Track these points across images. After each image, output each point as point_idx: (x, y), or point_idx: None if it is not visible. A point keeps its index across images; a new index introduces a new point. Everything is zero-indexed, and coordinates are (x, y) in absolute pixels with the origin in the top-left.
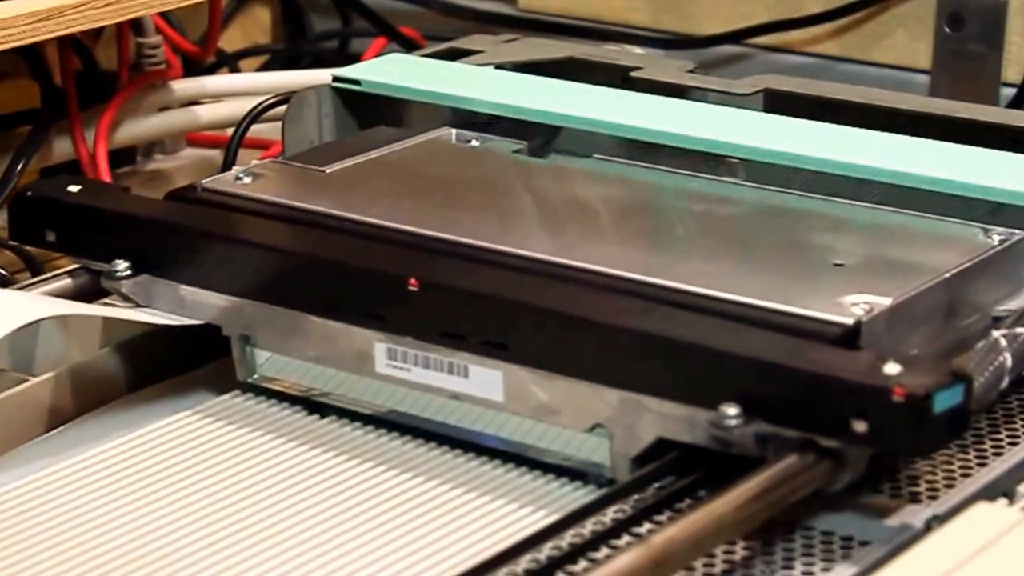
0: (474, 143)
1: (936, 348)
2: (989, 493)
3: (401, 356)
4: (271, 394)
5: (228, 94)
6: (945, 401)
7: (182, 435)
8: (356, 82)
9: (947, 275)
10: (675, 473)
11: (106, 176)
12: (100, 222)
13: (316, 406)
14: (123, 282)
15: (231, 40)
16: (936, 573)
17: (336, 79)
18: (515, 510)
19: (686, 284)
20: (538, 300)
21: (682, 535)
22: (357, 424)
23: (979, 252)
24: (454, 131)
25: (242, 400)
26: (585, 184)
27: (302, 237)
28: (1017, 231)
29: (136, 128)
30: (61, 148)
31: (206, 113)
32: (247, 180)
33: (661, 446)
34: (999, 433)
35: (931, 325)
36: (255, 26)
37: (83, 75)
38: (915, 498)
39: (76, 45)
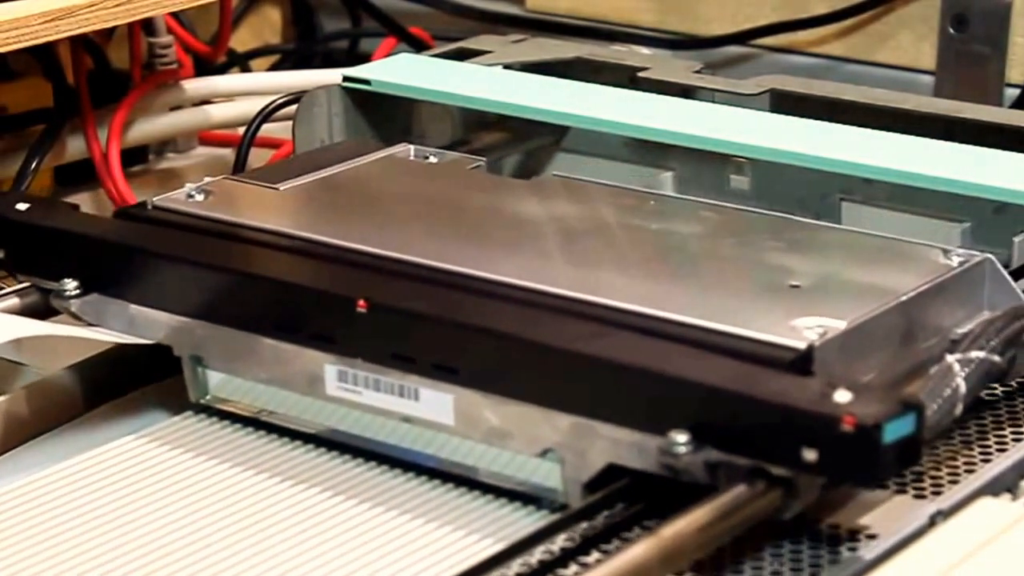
0: (432, 159)
1: (889, 374)
2: (993, 488)
3: (352, 378)
4: (223, 415)
5: (239, 93)
6: (896, 431)
7: (131, 458)
8: (366, 82)
9: (904, 298)
10: (629, 499)
11: (119, 175)
12: (49, 241)
13: (268, 427)
14: (72, 301)
15: (242, 40)
16: (941, 567)
17: (346, 79)
18: (467, 535)
19: (641, 306)
20: (489, 323)
21: (621, 570)
22: (309, 446)
23: (938, 274)
24: (412, 147)
25: (194, 421)
26: (541, 202)
27: (252, 257)
28: (976, 253)
29: (148, 127)
30: (74, 147)
31: (217, 112)
32: (199, 198)
33: (617, 471)
34: (1003, 429)
35: (887, 349)
36: (266, 26)
37: (95, 74)
38: (920, 493)
39: (88, 45)
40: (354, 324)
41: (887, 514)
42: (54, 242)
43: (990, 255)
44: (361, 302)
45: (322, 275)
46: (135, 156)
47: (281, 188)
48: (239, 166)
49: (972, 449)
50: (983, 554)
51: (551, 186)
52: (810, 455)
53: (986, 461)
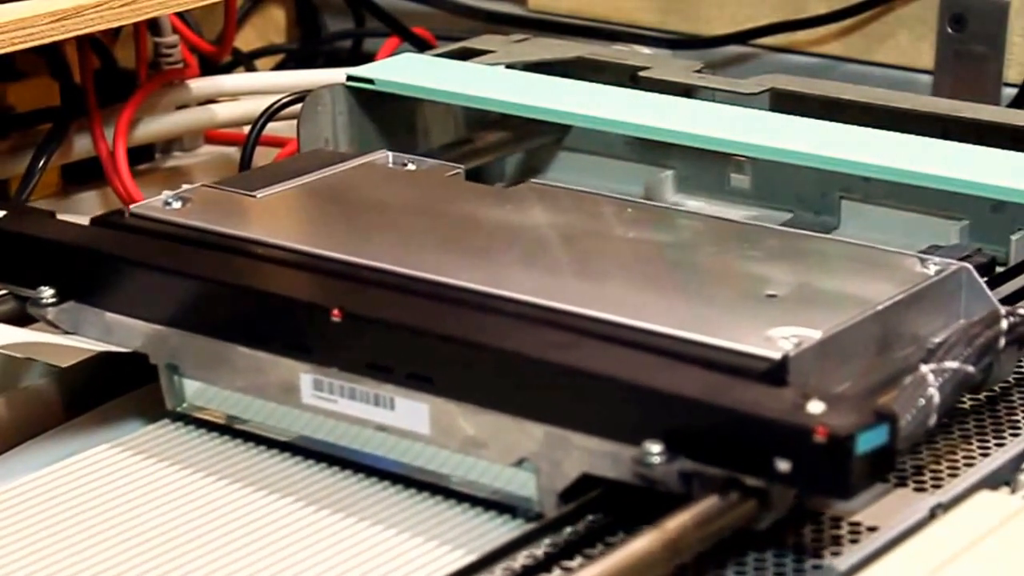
0: (410, 167)
1: (864, 385)
2: (992, 482)
3: (327, 387)
4: (200, 423)
5: (244, 93)
6: (868, 442)
7: (107, 466)
8: (370, 81)
9: (880, 307)
10: (604, 508)
11: (126, 173)
12: (26, 248)
13: (244, 435)
14: (49, 309)
15: (246, 40)
16: (940, 559)
17: (350, 78)
18: (441, 544)
19: (616, 315)
20: (463, 333)
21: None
22: (286, 454)
23: (914, 283)
24: (390, 154)
25: (171, 429)
26: (518, 210)
27: (227, 265)
28: (953, 261)
29: (154, 126)
30: (81, 145)
31: (223, 111)
32: (176, 205)
33: (592, 480)
34: (1001, 424)
35: (863, 359)
36: (270, 26)
37: (102, 74)
38: (920, 486)
39: (95, 44)
40: (329, 333)
41: (888, 507)
42: (30, 250)
43: (967, 264)
44: (335, 311)
45: (297, 284)
46: (141, 154)
47: (259, 196)
48: (244, 164)
49: (971, 443)
50: (982, 546)
51: (528, 194)
52: (783, 466)
53: (985, 455)
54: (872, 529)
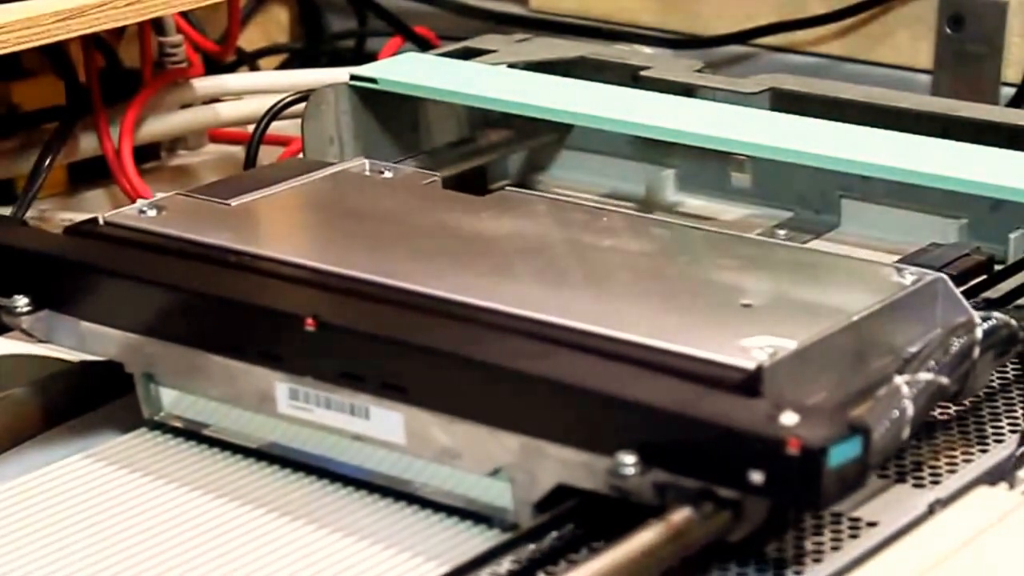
0: (386, 174)
1: (839, 395)
2: (990, 478)
3: (303, 396)
4: (177, 431)
5: (248, 92)
6: (841, 454)
7: (80, 476)
8: (373, 80)
9: (856, 317)
10: (579, 518)
11: (132, 171)
12: None
13: (221, 444)
14: (23, 318)
15: (250, 39)
16: (939, 553)
17: (353, 77)
18: (416, 553)
19: (590, 325)
20: (436, 342)
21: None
22: (263, 463)
23: (891, 293)
24: (367, 162)
25: (148, 438)
26: (494, 219)
27: (201, 274)
28: (929, 271)
29: (159, 125)
30: (86, 144)
31: (227, 110)
32: (151, 213)
33: (570, 491)
34: (1000, 421)
35: (838, 369)
36: (273, 25)
37: (107, 73)
38: (919, 482)
39: (99, 43)
40: (303, 343)
41: (887, 502)
42: (4, 258)
43: (943, 274)
44: (309, 320)
45: (271, 292)
46: (147, 153)
47: (233, 204)
48: (249, 163)
49: (970, 440)
50: (980, 542)
51: (505, 202)
52: (757, 477)
53: (983, 451)
54: (872, 524)
